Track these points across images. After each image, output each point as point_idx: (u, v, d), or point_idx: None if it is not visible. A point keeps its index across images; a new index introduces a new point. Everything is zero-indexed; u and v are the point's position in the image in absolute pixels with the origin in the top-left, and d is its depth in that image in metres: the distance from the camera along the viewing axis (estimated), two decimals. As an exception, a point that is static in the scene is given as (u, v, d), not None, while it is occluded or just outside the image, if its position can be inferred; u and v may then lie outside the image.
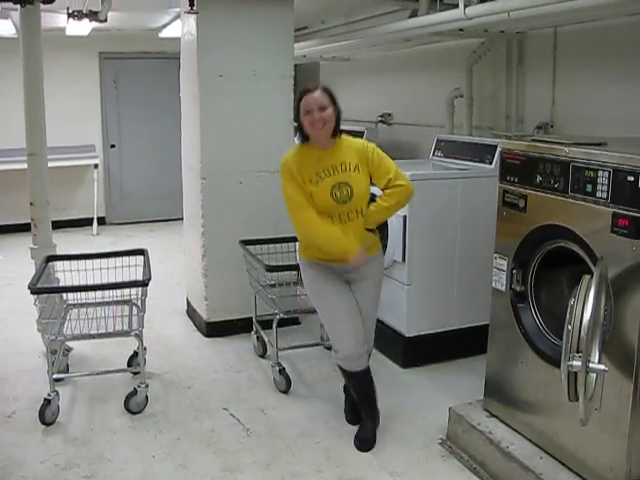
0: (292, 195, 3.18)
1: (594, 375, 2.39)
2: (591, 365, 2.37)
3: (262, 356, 4.46)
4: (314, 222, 3.15)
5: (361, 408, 3.49)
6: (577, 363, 2.34)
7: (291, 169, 3.17)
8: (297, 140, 3.37)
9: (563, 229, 2.76)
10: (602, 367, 2.39)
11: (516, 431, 3.08)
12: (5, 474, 3.13)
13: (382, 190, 3.25)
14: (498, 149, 3.93)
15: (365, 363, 3.35)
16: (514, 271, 3.05)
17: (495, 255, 3.17)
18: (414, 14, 4.80)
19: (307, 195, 3.15)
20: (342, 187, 3.14)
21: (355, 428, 3.49)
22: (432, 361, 4.28)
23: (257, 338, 4.50)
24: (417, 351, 4.27)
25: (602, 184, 2.56)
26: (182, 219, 5.34)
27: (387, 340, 4.42)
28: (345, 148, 3.23)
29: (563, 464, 2.81)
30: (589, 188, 2.63)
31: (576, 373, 2.37)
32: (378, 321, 4.45)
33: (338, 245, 3.15)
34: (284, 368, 3.97)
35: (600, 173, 2.57)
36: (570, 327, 2.39)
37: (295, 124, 3.28)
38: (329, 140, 3.19)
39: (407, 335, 4.25)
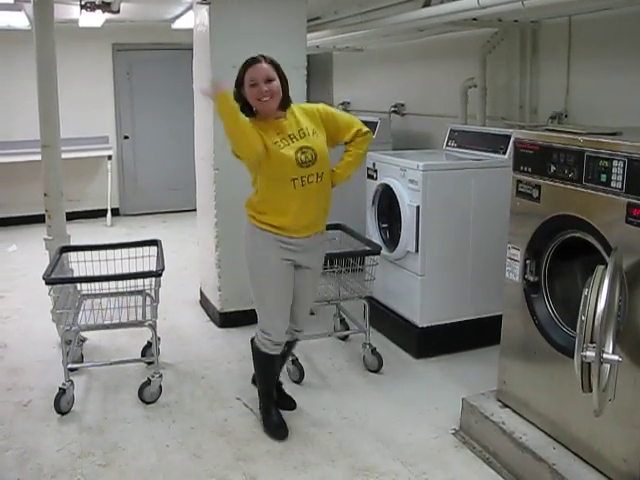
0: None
1: (608, 366, 2.38)
2: (605, 356, 2.35)
3: (275, 346, 4.47)
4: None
5: (271, 393, 3.50)
6: (591, 354, 2.33)
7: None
8: None
9: (577, 219, 2.75)
10: (616, 357, 2.37)
11: (529, 422, 3.07)
12: (22, 461, 3.17)
13: (347, 143, 3.27)
14: (512, 139, 3.90)
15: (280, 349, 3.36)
16: (528, 261, 3.03)
17: (508, 245, 3.16)
18: (427, 3, 4.77)
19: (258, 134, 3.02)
20: (306, 151, 3.09)
21: (366, 419, 3.52)
22: (445, 351, 4.28)
23: (270, 328, 4.50)
24: (430, 341, 4.27)
25: (617, 174, 2.54)
26: (195, 210, 5.36)
27: (400, 330, 4.42)
28: (298, 115, 3.18)
29: (576, 455, 2.81)
30: (604, 178, 2.61)
31: (590, 364, 2.35)
32: (391, 311, 4.49)
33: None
34: (297, 358, 3.98)
35: (615, 163, 2.55)
36: (584, 318, 2.38)
37: (234, 96, 3.04)
38: (278, 112, 3.12)
39: (420, 325, 4.25)
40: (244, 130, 2.98)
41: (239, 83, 3.08)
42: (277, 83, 3.05)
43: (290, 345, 3.54)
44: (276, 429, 3.40)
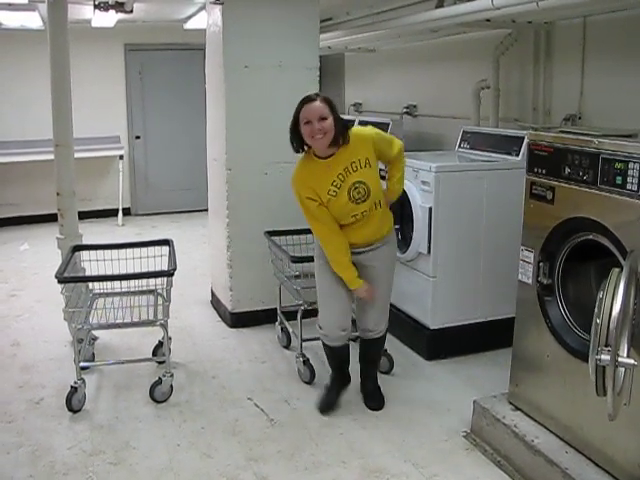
0: (307, 206, 3.29)
1: (623, 369, 2.36)
2: (620, 359, 2.33)
3: (286, 347, 4.47)
4: (327, 238, 3.34)
5: (335, 375, 3.71)
6: (606, 357, 2.31)
7: (300, 190, 3.26)
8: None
9: (592, 221, 2.73)
10: (631, 361, 2.35)
11: (541, 425, 3.05)
12: (34, 459, 3.18)
13: (392, 159, 3.44)
14: (525, 141, 3.90)
15: (343, 341, 3.57)
16: (541, 264, 3.02)
17: (522, 247, 3.14)
18: (441, 4, 4.77)
19: (322, 206, 3.26)
20: (358, 187, 3.23)
21: (377, 420, 3.51)
22: (457, 354, 4.26)
23: (281, 329, 4.51)
24: (442, 343, 4.26)
25: (632, 176, 2.53)
26: (207, 210, 5.36)
27: (411, 332, 4.41)
28: (351, 146, 3.24)
29: (590, 459, 2.78)
30: (619, 180, 2.59)
31: (604, 367, 2.34)
32: (402, 313, 4.47)
33: (344, 273, 3.35)
34: (308, 359, 3.98)
35: (630, 165, 2.53)
36: (599, 321, 2.36)
37: (290, 134, 3.24)
38: (329, 149, 3.22)
39: (432, 327, 4.24)
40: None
41: (295, 120, 3.19)
42: (330, 121, 3.15)
43: (366, 343, 3.66)
44: (320, 401, 3.65)
